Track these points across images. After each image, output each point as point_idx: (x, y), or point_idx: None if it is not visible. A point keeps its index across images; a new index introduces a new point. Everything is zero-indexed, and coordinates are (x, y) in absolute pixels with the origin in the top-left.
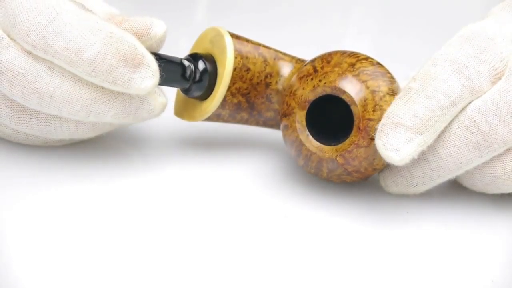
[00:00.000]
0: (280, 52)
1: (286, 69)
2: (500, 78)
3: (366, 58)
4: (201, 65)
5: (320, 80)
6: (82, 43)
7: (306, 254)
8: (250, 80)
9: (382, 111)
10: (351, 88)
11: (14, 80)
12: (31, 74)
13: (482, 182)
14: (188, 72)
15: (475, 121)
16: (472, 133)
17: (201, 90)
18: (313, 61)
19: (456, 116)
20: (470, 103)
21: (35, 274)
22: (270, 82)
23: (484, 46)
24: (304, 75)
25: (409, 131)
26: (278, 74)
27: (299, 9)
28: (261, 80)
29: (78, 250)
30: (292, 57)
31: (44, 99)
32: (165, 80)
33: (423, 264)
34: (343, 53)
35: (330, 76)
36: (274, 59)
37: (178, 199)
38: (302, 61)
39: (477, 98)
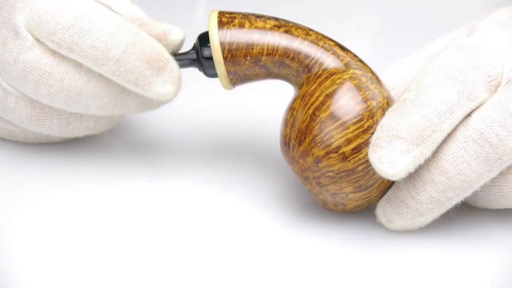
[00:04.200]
0: (300, 43)
1: (300, 70)
2: (495, 86)
3: (337, 149)
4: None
5: (288, 162)
6: (109, 42)
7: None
8: (256, 79)
9: (345, 205)
10: (311, 188)
11: (41, 79)
12: (58, 72)
13: (485, 199)
14: (190, 58)
15: (482, 133)
16: (481, 146)
17: (214, 69)
18: (294, 121)
19: (460, 130)
20: (470, 115)
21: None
22: (279, 78)
23: (476, 53)
24: (284, 137)
25: (405, 143)
26: (286, 76)
27: (299, 9)
28: (268, 78)
29: (76, 254)
30: (325, 45)
31: (72, 96)
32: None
33: (423, 265)
34: (316, 135)
35: (295, 167)
36: (280, 67)
37: (174, 211)
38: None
39: (477, 108)
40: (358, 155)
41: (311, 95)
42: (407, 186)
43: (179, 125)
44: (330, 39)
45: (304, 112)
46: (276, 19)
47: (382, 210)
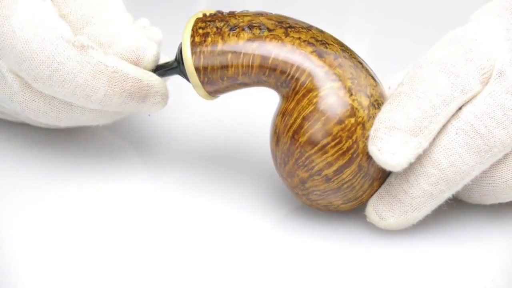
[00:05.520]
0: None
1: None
2: (487, 78)
3: (320, 172)
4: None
5: (279, 177)
6: (88, 89)
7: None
8: (240, 89)
9: (339, 209)
10: (303, 201)
11: (37, 115)
12: (52, 111)
13: (479, 193)
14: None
15: (472, 125)
16: (472, 138)
17: None
18: (277, 140)
19: (451, 123)
20: (462, 107)
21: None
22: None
23: (470, 46)
24: (272, 153)
25: (404, 134)
26: (268, 87)
27: (298, 11)
28: (252, 87)
29: (74, 255)
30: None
31: (71, 123)
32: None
33: (423, 265)
34: (297, 159)
35: (285, 183)
36: (258, 82)
37: (167, 213)
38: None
39: (469, 101)
40: (341, 176)
41: (290, 115)
42: (399, 181)
43: (175, 126)
44: (308, 43)
45: (285, 133)
46: (251, 27)
47: (373, 208)
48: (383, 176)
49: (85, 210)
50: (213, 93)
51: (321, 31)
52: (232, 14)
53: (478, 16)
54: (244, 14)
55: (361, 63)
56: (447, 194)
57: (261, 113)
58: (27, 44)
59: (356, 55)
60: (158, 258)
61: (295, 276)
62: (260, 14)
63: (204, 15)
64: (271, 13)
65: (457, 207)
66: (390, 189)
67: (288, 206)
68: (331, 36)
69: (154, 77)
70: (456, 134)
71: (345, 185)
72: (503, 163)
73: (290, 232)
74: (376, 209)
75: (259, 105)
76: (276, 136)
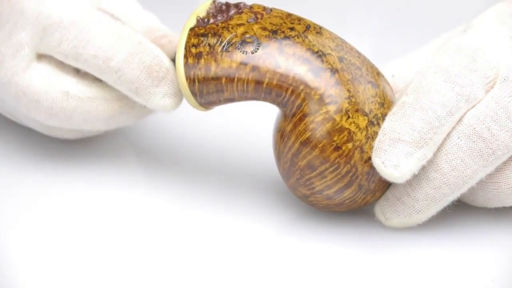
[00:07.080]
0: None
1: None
2: (492, 87)
3: (321, 192)
4: None
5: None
6: (110, 52)
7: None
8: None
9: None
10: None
11: (30, 104)
12: (46, 100)
13: (484, 197)
14: None
15: (475, 129)
16: (474, 142)
17: None
18: (278, 156)
19: (454, 128)
20: (466, 113)
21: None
22: None
23: (473, 55)
24: (276, 164)
25: (408, 146)
26: (269, 102)
27: (299, 11)
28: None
29: (74, 260)
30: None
31: (63, 122)
32: None
33: (423, 264)
34: (298, 179)
35: (291, 192)
36: (256, 99)
37: (170, 220)
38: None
39: (473, 107)
40: (342, 195)
41: (288, 138)
42: (403, 184)
43: (176, 133)
44: (303, 60)
45: (284, 154)
46: (243, 44)
47: (380, 208)
48: (386, 185)
49: (83, 215)
50: (212, 107)
51: (319, 32)
52: (225, 23)
53: (480, 23)
54: (238, 23)
55: (360, 68)
56: (451, 198)
57: (264, 115)
58: (51, 10)
59: (355, 52)
60: (159, 265)
61: (302, 282)
62: (256, 16)
63: (198, 20)
64: (268, 11)
65: (458, 207)
66: (395, 191)
67: (292, 210)
68: (329, 37)
69: (173, 66)
70: (458, 138)
71: (347, 201)
72: (508, 168)
73: (294, 238)
74: (382, 210)
75: (262, 108)
76: (277, 153)
